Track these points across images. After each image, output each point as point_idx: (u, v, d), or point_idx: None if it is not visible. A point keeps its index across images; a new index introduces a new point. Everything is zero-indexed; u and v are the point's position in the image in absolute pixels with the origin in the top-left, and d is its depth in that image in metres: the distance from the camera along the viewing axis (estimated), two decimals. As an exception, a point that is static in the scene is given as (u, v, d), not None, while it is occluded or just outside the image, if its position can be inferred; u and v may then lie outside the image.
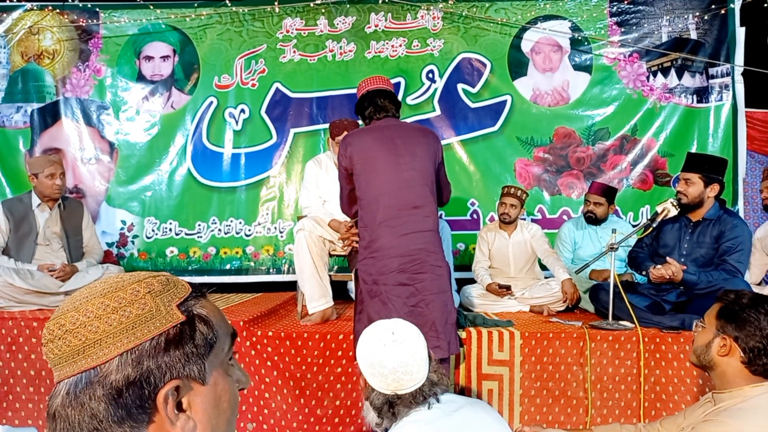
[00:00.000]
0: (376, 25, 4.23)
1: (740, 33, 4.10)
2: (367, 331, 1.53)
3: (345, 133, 3.13)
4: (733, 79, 4.13)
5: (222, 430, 0.68)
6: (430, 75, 4.20)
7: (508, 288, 3.39)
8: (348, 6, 4.21)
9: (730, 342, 1.48)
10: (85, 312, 0.62)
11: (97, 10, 4.19)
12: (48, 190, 3.25)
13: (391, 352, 1.45)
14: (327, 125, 4.09)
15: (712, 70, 4.17)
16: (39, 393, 2.78)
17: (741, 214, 4.05)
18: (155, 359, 0.63)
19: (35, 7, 4.19)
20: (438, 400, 1.44)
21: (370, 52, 4.22)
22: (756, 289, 3.08)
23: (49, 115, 4.21)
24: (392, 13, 4.22)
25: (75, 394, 0.61)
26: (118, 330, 0.62)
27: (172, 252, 4.17)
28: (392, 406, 1.45)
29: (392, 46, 4.22)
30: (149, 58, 4.24)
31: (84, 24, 4.18)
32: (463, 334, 2.70)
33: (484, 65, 4.24)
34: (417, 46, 4.22)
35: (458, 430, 1.37)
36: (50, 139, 4.21)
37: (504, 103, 4.23)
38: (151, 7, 4.14)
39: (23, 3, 4.17)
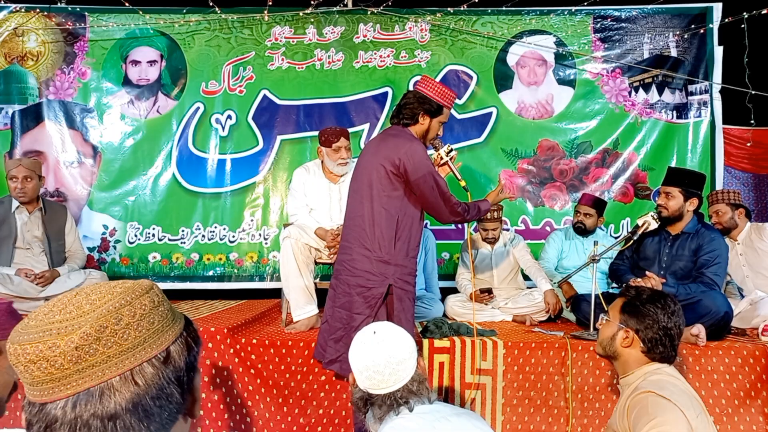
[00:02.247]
0: (365, 36, 4.26)
1: (718, 52, 4.23)
2: (359, 332, 1.60)
3: (342, 139, 3.16)
4: (711, 96, 4.25)
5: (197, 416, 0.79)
6: (417, 86, 4.23)
7: (490, 291, 3.42)
8: (337, 16, 4.25)
9: (632, 334, 1.65)
10: (141, 305, 0.67)
11: (85, 13, 4.17)
12: (12, 194, 3.21)
13: (367, 350, 1.50)
14: (314, 133, 4.11)
15: (691, 87, 4.28)
16: (15, 399, 2.72)
17: (718, 228, 4.15)
18: (195, 347, 0.72)
19: (21, 9, 4.14)
20: (410, 410, 1.46)
21: (358, 62, 4.25)
22: (741, 304, 3.14)
23: (31, 118, 4.16)
24: (381, 24, 4.27)
25: (150, 383, 0.65)
26: (167, 320, 0.70)
27: (154, 258, 4.13)
28: (366, 404, 1.51)
29: (380, 56, 4.26)
30: (136, 62, 4.22)
31: (70, 27, 4.15)
32: (446, 343, 2.72)
33: (471, 77, 4.30)
34: (405, 57, 4.27)
35: None
36: (32, 141, 4.15)
37: (489, 115, 4.29)
38: (140, 12, 4.13)
39: (8, 5, 4.12)
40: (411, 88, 2.51)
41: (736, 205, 3.38)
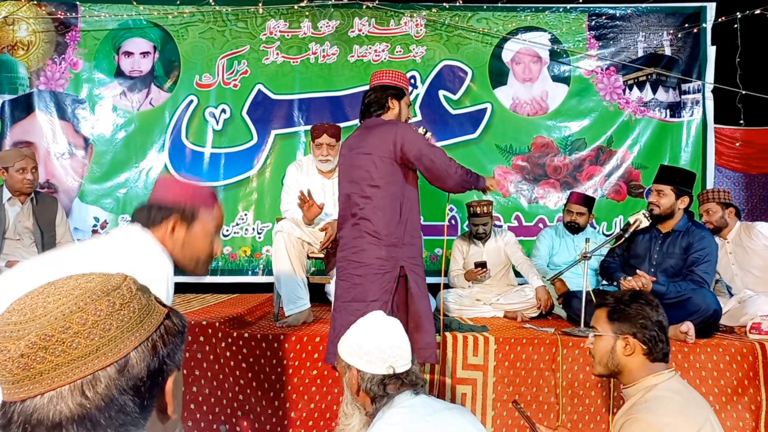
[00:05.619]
0: (360, 30, 4.25)
1: (711, 51, 4.25)
2: (353, 327, 1.60)
3: (324, 136, 3.14)
4: (703, 95, 4.28)
5: (179, 412, 0.74)
6: (412, 81, 4.23)
7: (484, 265, 3.45)
8: (332, 9, 4.22)
9: (631, 340, 1.57)
10: (95, 311, 0.62)
11: (77, 3, 4.13)
12: (18, 185, 3.18)
13: (382, 329, 1.54)
14: (308, 127, 4.10)
15: (684, 86, 4.31)
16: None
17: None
18: (164, 348, 0.68)
19: (12, -2, 4.10)
20: (425, 391, 1.51)
21: (353, 56, 4.23)
22: (730, 302, 3.17)
23: (22, 108, 4.12)
24: (376, 19, 4.25)
25: (100, 393, 0.62)
26: (129, 325, 0.65)
27: (146, 251, 4.10)
28: (385, 387, 1.50)
29: (375, 50, 4.25)
30: (129, 53, 4.18)
31: (62, 16, 4.10)
32: (438, 339, 2.73)
33: (466, 73, 4.30)
34: (400, 51, 4.26)
35: None
36: (22, 131, 4.11)
37: (484, 110, 4.30)
38: (134, 2, 4.09)
39: (-2, -7, 4.08)
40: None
41: (726, 204, 3.40)
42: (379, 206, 2.32)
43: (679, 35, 4.28)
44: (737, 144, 4.49)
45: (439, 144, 4.22)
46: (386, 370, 1.50)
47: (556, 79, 4.33)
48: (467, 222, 3.98)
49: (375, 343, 1.52)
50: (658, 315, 1.58)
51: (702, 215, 3.47)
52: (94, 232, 4.10)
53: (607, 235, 4.11)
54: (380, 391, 1.50)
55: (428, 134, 2.47)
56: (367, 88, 2.52)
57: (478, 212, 3.58)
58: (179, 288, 4.09)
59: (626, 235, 3.03)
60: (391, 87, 2.43)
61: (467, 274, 3.53)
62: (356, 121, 4.21)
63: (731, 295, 3.30)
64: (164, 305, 0.72)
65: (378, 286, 2.29)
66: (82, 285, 0.64)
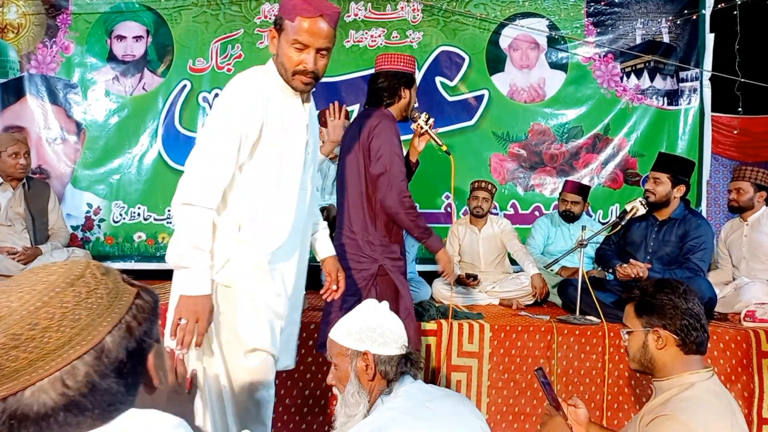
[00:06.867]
0: (356, 15, 4.19)
1: (710, 39, 4.22)
2: (351, 315, 1.56)
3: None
4: (701, 83, 4.25)
5: (166, 380, 0.79)
6: (409, 67, 4.19)
7: (475, 278, 3.42)
8: (328, -7, 4.16)
9: (662, 332, 1.52)
10: (61, 304, 0.62)
11: (67, -16, 4.05)
12: (11, 170, 3.14)
13: (388, 314, 1.55)
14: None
15: (682, 74, 4.28)
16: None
17: (704, 215, 4.18)
18: (139, 327, 0.68)
19: (0, -21, 4.02)
20: (422, 378, 1.53)
21: (348, 41, 4.18)
22: (725, 289, 3.17)
23: (12, 92, 4.05)
24: (372, 4, 4.19)
25: (82, 381, 0.62)
26: (99, 311, 0.65)
27: (139, 237, 4.08)
28: (401, 367, 1.50)
29: (371, 36, 4.19)
30: (121, 37, 4.12)
31: (52, -1, 4.03)
32: (433, 326, 2.73)
33: (463, 59, 4.25)
34: (396, 37, 4.21)
35: (435, 419, 1.38)
36: (13, 116, 4.05)
37: (481, 97, 4.26)
38: (125, -15, 4.02)
39: (-13, -27, 3.99)
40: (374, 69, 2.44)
41: (760, 186, 3.23)
42: (350, 202, 2.29)
43: (678, 22, 4.25)
44: (734, 132, 4.47)
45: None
46: (400, 350, 1.50)
47: (554, 66, 4.30)
48: (464, 208, 3.98)
49: (387, 324, 1.51)
50: (686, 302, 1.51)
51: (731, 191, 3.30)
52: (88, 218, 4.06)
53: (604, 224, 4.10)
54: (399, 370, 1.48)
55: (431, 120, 2.38)
56: (363, 74, 2.48)
57: (482, 186, 3.57)
58: (168, 276, 4.06)
59: (623, 223, 3.02)
60: (402, 75, 2.33)
61: (458, 280, 3.47)
62: (352, 108, 4.17)
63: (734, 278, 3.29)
64: (133, 285, 0.72)
65: (352, 281, 2.23)
66: (43, 279, 0.63)
